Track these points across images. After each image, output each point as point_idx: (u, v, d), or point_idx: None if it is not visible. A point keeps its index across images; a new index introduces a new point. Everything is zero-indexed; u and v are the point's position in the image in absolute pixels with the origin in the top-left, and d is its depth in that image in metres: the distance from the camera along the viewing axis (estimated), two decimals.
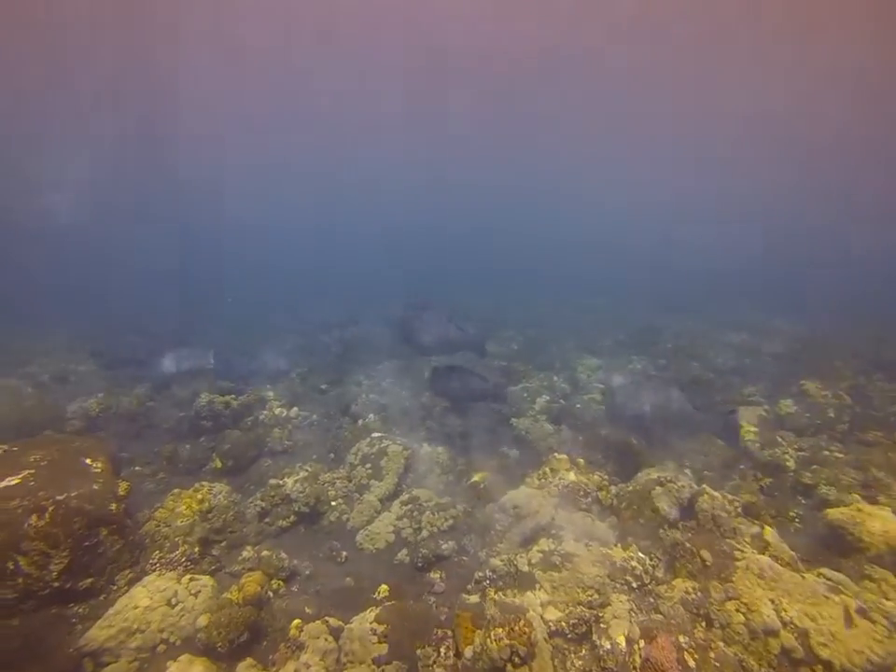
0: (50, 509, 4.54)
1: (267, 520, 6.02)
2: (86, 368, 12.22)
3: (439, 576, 5.05)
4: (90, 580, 4.65)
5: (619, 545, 4.95)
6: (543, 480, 6.39)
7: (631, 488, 5.84)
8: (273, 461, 7.85)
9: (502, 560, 4.90)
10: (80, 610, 4.55)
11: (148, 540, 5.18)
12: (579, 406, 9.29)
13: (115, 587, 4.78)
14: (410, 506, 6.21)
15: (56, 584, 4.43)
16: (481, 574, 4.81)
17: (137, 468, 7.31)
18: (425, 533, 5.72)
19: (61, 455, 5.23)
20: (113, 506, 4.92)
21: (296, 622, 4.18)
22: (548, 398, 9.59)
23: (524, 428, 8.61)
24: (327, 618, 4.21)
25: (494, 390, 9.39)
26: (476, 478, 6.68)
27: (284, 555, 5.20)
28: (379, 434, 7.64)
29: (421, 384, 10.92)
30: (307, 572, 5.23)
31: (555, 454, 6.76)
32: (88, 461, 5.28)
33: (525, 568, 4.68)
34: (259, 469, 7.53)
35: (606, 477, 6.38)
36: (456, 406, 9.56)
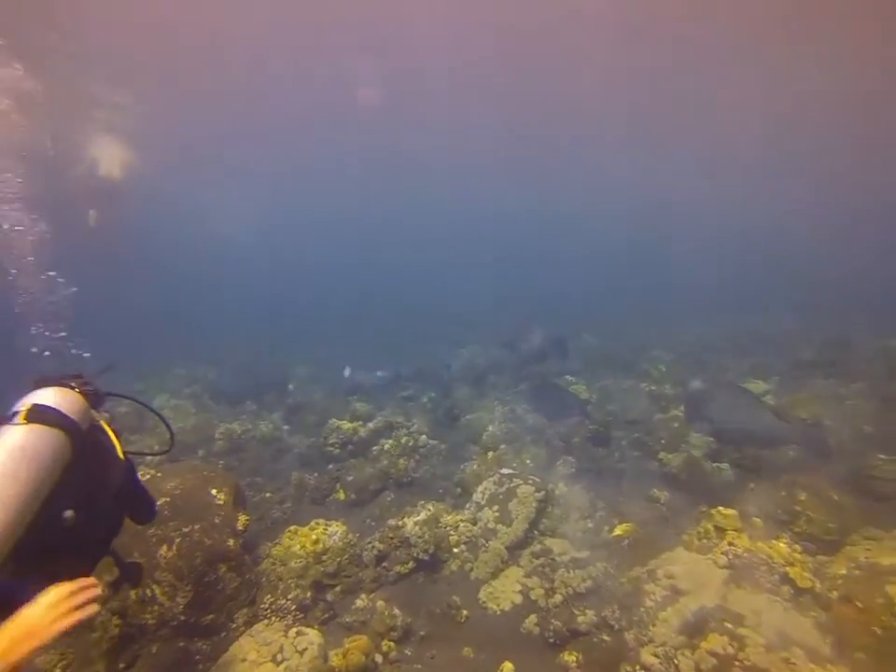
0: (177, 541, 5.05)
1: (384, 564, 6.05)
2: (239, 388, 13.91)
3: (574, 659, 4.51)
4: (211, 615, 5.06)
5: (840, 664, 3.88)
6: (705, 541, 5.47)
7: (844, 570, 4.66)
8: (397, 495, 7.97)
9: (657, 654, 4.20)
10: (203, 646, 4.96)
11: (264, 579, 5.50)
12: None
13: (234, 625, 5.14)
14: (541, 559, 5.77)
15: (183, 617, 4.90)
16: (629, 669, 4.18)
17: (268, 493, 7.94)
18: (558, 597, 5.22)
19: (192, 483, 5.83)
20: (231, 542, 5.31)
21: None
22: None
23: (675, 466, 7.59)
24: None
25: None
26: (619, 531, 5.98)
27: (397, 611, 5.13)
28: (509, 471, 7.30)
29: (559, 410, 10.35)
30: (422, 633, 5.08)
31: (720, 507, 5.76)
32: (213, 492, 5.81)
33: None
34: (381, 502, 7.68)
35: (797, 546, 5.21)
36: (598, 437, 8.85)
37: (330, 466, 8.97)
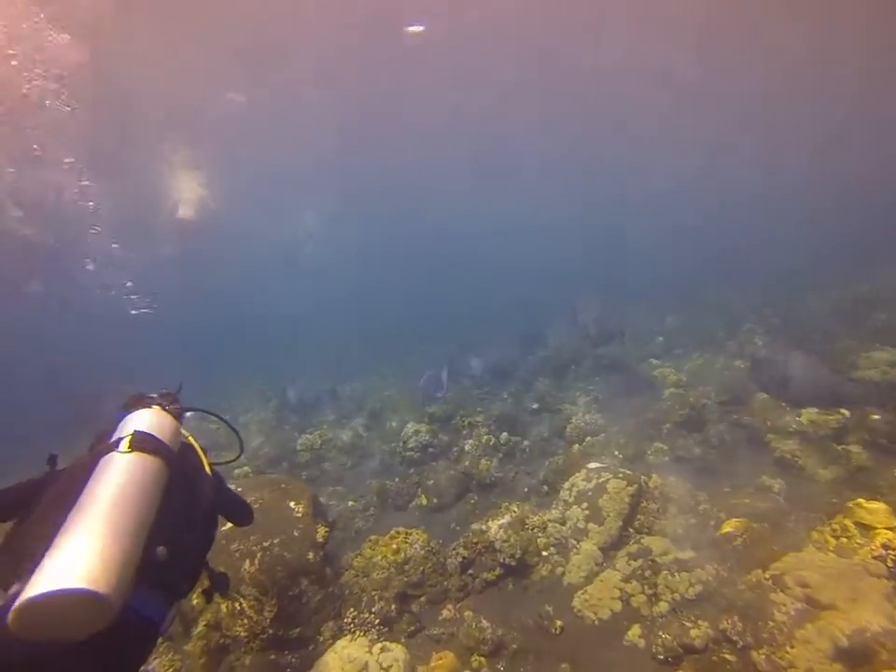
0: (258, 555, 5.01)
1: (470, 572, 5.74)
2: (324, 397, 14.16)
3: None
4: (298, 629, 4.98)
5: None
6: (845, 540, 4.68)
7: None
8: (481, 496, 7.65)
9: None
10: (293, 660, 4.88)
11: (347, 592, 5.36)
12: (876, 417, 6.81)
13: (321, 638, 5.03)
14: (639, 561, 5.21)
15: (271, 630, 4.84)
16: None
17: (350, 502, 7.90)
18: (663, 605, 4.68)
19: (270, 496, 5.82)
20: (311, 555, 5.21)
21: None
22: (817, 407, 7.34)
23: (788, 451, 6.70)
24: None
25: None
26: (728, 527, 5.29)
27: (486, 623, 4.80)
28: (597, 465, 6.76)
29: (645, 397, 9.62)
30: (514, 646, 4.72)
31: (861, 500, 4.92)
32: (292, 504, 5.76)
33: None
34: (464, 505, 7.39)
35: None
36: (690, 422, 8.09)
37: (412, 470, 8.82)
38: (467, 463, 8.26)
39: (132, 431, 2.07)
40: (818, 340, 10.86)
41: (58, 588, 1.44)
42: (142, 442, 2.03)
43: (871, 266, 15.06)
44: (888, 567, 4.27)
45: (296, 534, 5.36)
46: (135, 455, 1.96)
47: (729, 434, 8.00)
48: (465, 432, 9.43)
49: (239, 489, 6.00)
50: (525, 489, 7.66)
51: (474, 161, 27.73)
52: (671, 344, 13.07)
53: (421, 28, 13.19)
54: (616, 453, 7.96)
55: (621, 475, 6.28)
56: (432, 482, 7.73)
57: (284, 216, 25.40)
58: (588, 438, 8.44)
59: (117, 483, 1.82)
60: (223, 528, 5.35)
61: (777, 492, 6.11)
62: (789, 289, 15.46)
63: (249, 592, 4.84)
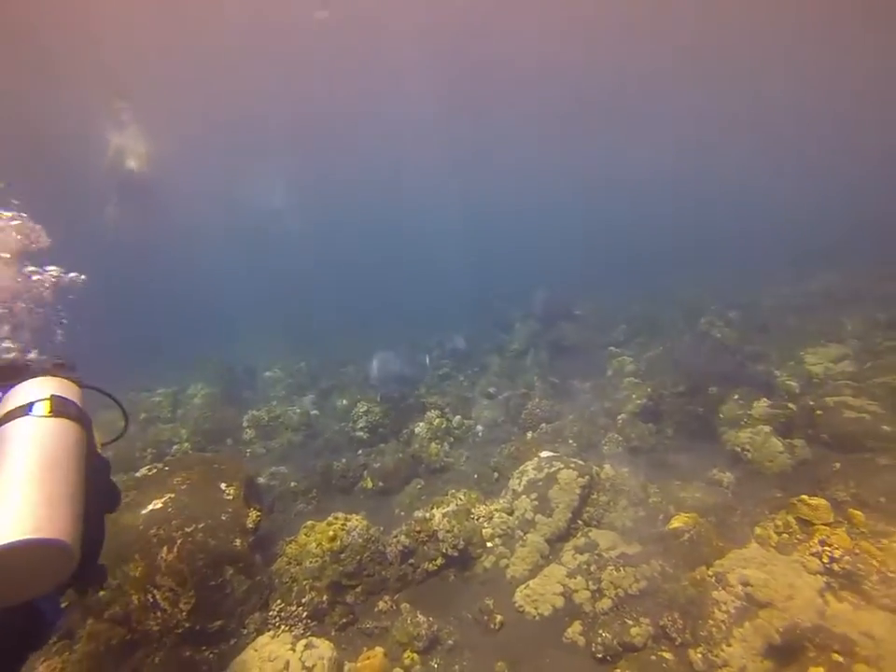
0: (178, 542, 4.59)
1: (411, 561, 5.45)
2: (271, 374, 13.60)
3: None
4: (219, 622, 4.60)
5: None
6: (786, 536, 4.58)
7: None
8: (428, 481, 7.38)
9: None
10: (210, 656, 4.51)
11: (277, 581, 5.00)
12: (820, 413, 6.81)
13: (245, 631, 4.67)
14: (586, 555, 5.02)
15: (188, 624, 4.45)
16: None
17: (293, 483, 7.49)
18: (606, 601, 4.49)
19: (200, 477, 5.38)
20: (238, 541, 4.83)
21: None
22: (769, 401, 7.30)
23: (740, 444, 6.64)
24: None
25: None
26: (677, 522, 5.14)
27: (422, 617, 4.53)
28: (549, 454, 6.55)
29: (603, 385, 9.51)
30: (450, 642, 4.47)
31: (804, 496, 4.83)
32: (223, 486, 5.34)
33: None
34: (411, 490, 7.10)
35: None
36: (647, 412, 7.97)
37: (360, 451, 8.48)
38: (416, 446, 7.97)
39: (48, 395, 1.80)
40: (772, 333, 10.96)
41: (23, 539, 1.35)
42: (63, 407, 1.79)
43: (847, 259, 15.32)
44: (823, 563, 4.20)
45: (224, 518, 4.96)
46: (59, 421, 1.73)
47: (684, 426, 7.92)
48: (417, 414, 9.11)
49: (165, 468, 5.57)
50: (476, 475, 7.41)
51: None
52: (633, 333, 12.99)
53: (326, 13, 12.56)
54: (570, 441, 7.79)
55: (573, 465, 6.07)
56: (379, 464, 7.42)
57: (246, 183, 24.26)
58: (543, 425, 8.25)
59: (43, 448, 1.60)
60: (143, 512, 4.93)
61: (725, 486, 6.03)
62: (759, 281, 15.66)
63: (164, 582, 4.42)
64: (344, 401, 10.37)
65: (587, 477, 5.94)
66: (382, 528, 5.83)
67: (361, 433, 8.64)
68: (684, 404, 8.66)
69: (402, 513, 6.66)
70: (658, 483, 6.21)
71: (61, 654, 4.32)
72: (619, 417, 8.08)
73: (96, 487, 1.92)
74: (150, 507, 4.91)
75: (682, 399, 8.88)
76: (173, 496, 5.04)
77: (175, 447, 8.45)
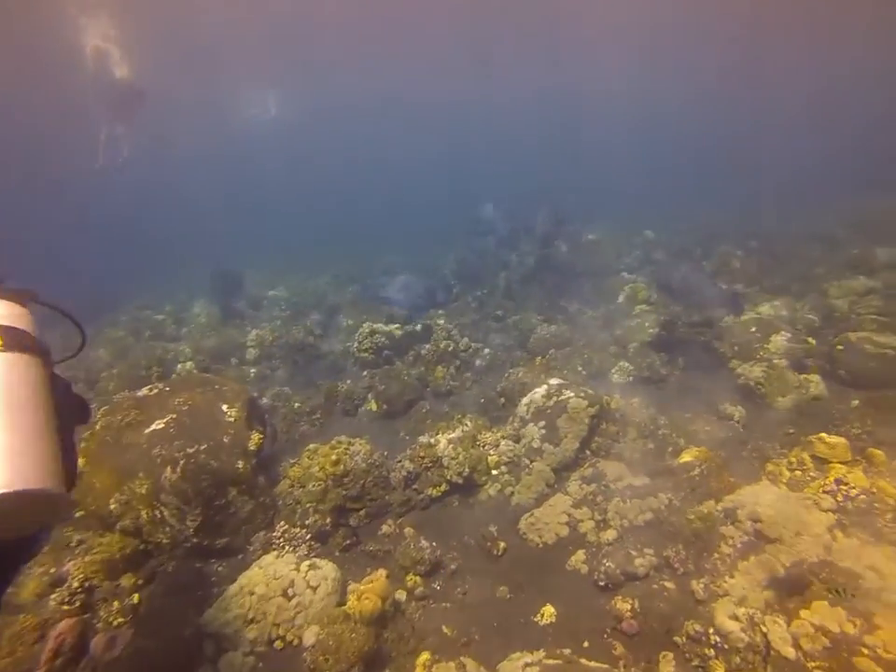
0: (181, 462, 4.52)
1: (415, 486, 5.43)
2: (276, 293, 13.34)
3: (629, 607, 3.78)
4: (225, 539, 4.64)
5: None
6: (799, 473, 4.47)
7: None
8: (434, 405, 7.28)
9: (737, 615, 3.36)
10: (219, 569, 4.58)
11: (281, 503, 5.00)
12: (841, 348, 6.53)
13: (251, 548, 4.72)
14: (592, 486, 4.96)
15: (195, 540, 4.48)
16: (698, 629, 3.38)
17: (297, 404, 7.43)
18: (611, 532, 4.46)
19: (202, 398, 5.26)
20: (240, 463, 4.76)
21: (423, 657, 3.44)
22: (788, 334, 7.02)
23: (753, 378, 6.43)
24: (463, 660, 3.37)
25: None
26: (687, 456, 5.03)
27: (425, 542, 4.52)
28: (558, 381, 6.37)
29: (614, 311, 9.20)
30: (453, 566, 4.49)
31: (822, 434, 4.66)
32: (224, 407, 5.22)
33: (790, 654, 3.05)
34: (416, 414, 7.01)
35: None
36: (659, 341, 7.74)
37: (364, 373, 8.35)
38: (422, 369, 7.82)
39: None
40: (793, 264, 10.48)
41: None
42: (16, 339, 1.59)
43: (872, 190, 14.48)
44: (836, 501, 4.10)
45: (226, 440, 4.87)
46: (14, 355, 1.55)
47: (696, 357, 7.70)
48: (423, 335, 8.91)
49: (167, 388, 5.43)
50: (482, 400, 7.30)
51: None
52: (646, 259, 12.52)
53: None
54: (580, 368, 7.60)
55: (582, 394, 5.90)
56: (384, 387, 7.29)
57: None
58: (552, 350, 8.04)
59: (7, 390, 1.47)
60: (146, 431, 4.83)
61: (737, 420, 5.87)
62: (780, 209, 14.91)
63: (170, 500, 4.40)
64: (350, 321, 10.16)
65: (597, 406, 5.78)
66: (386, 453, 5.77)
67: (366, 354, 8.47)
68: (697, 335, 8.44)
69: (407, 437, 6.60)
70: (668, 415, 6.07)
71: (83, 556, 4.37)
72: (630, 346, 7.84)
73: (65, 413, 1.78)
74: (153, 426, 4.82)
75: (696, 330, 8.66)
76: (174, 416, 4.93)
77: (179, 366, 8.35)
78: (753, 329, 7.34)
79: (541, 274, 12.03)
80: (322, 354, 9.39)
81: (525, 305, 10.48)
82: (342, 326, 10.17)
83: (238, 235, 24.03)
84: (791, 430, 5.46)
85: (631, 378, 7.25)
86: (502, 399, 7.24)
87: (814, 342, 6.90)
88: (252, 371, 8.76)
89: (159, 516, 4.40)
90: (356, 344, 8.64)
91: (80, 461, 4.55)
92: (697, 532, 4.15)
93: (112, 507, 4.39)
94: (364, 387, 7.56)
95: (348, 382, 7.97)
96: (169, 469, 4.47)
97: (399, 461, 5.62)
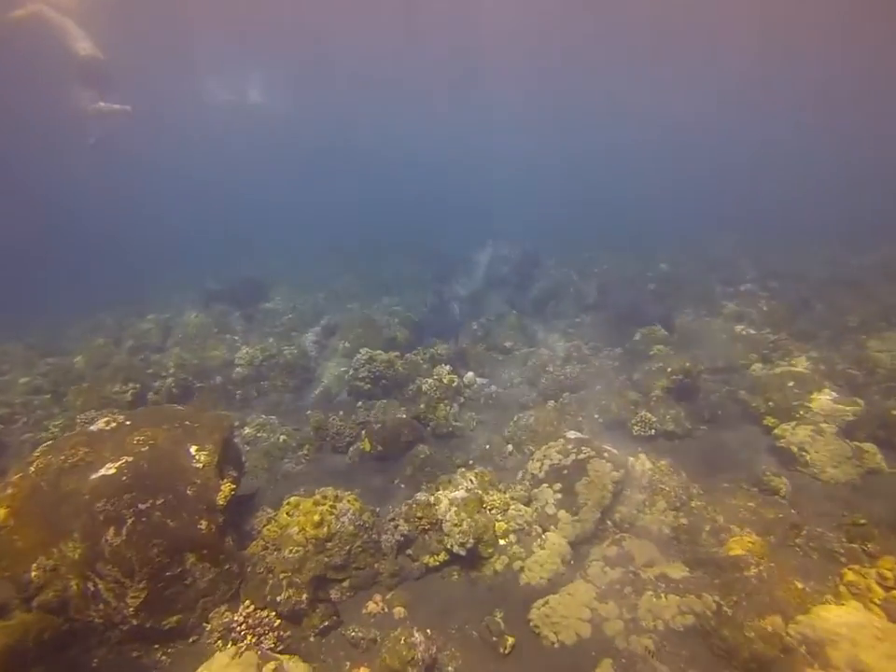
0: (129, 521, 3.67)
1: (409, 552, 4.59)
2: (272, 306, 12.53)
3: None
4: (175, 617, 3.75)
5: None
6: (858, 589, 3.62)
7: None
8: (435, 449, 6.41)
9: None
10: (163, 657, 3.71)
11: (250, 570, 4.12)
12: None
13: (207, 627, 3.84)
14: (618, 571, 4.12)
15: (135, 621, 3.61)
16: None
17: (283, 437, 6.59)
18: (646, 640, 3.60)
19: (167, 437, 4.41)
20: (203, 523, 3.90)
21: None
22: (833, 393, 6.28)
23: (796, 442, 5.63)
24: None
25: None
26: (737, 548, 4.17)
27: (417, 637, 3.65)
28: (576, 435, 5.56)
29: (635, 352, 8.40)
30: (451, 668, 3.63)
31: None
32: (193, 449, 4.38)
33: None
34: (414, 459, 6.14)
35: None
36: (682, 388, 6.98)
37: (359, 404, 7.54)
38: (422, 406, 6.98)
39: None
40: (820, 310, 9.74)
41: None
42: None
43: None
44: None
45: (189, 493, 4.02)
46: None
47: (723, 409, 6.91)
48: (425, 367, 8.10)
49: (127, 422, 4.58)
50: (487, 446, 6.48)
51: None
52: (662, 294, 11.77)
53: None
54: (596, 416, 6.80)
55: (606, 455, 5.08)
56: (379, 425, 6.45)
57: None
58: (565, 393, 7.23)
59: None
60: (93, 477, 3.99)
61: (783, 495, 5.03)
62: (795, 245, 14.26)
63: (108, 571, 3.54)
64: (347, 344, 9.34)
65: (622, 471, 4.96)
66: (377, 509, 4.94)
67: (362, 383, 7.65)
68: (722, 383, 7.67)
69: (402, 485, 5.78)
70: (700, 481, 5.24)
71: None
72: (652, 394, 7.03)
73: None
74: (102, 471, 3.96)
75: (720, 377, 7.89)
76: (130, 459, 4.08)
77: (158, 383, 7.50)
78: (791, 384, 6.54)
79: (554, 304, 11.32)
80: (315, 377, 8.58)
81: (535, 338, 9.72)
82: (338, 348, 9.32)
83: (243, 242, 23.14)
84: (847, 512, 4.62)
85: (653, 431, 6.43)
86: (509, 447, 6.43)
87: (861, 402, 6.10)
88: (238, 392, 7.92)
89: (92, 589, 3.53)
90: (351, 371, 7.83)
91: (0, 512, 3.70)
92: (761, 658, 3.29)
93: (34, 574, 3.52)
94: (357, 423, 6.73)
95: (340, 413, 7.13)
96: (112, 529, 3.62)
97: (393, 520, 4.76)
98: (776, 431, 5.97)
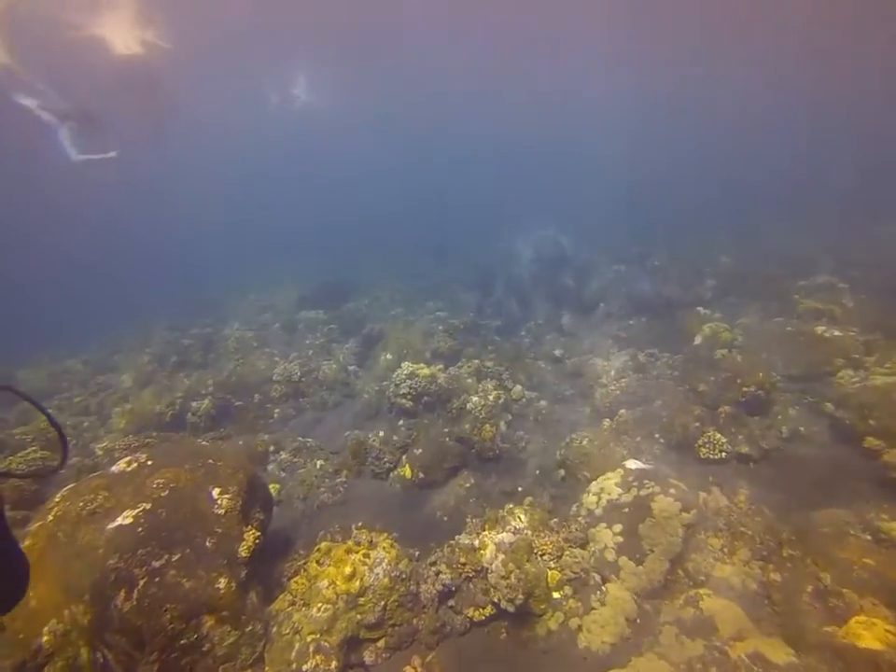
0: (141, 583, 3.30)
1: (451, 603, 4.05)
2: (315, 314, 12.23)
3: None
4: None
5: None
6: None
7: None
8: (479, 475, 5.87)
9: None
10: None
11: (275, 630, 3.68)
12: None
13: None
14: (699, 644, 3.44)
15: None
16: None
17: (320, 462, 6.19)
18: None
19: (188, 479, 4.05)
20: (222, 582, 3.49)
21: None
22: None
23: None
24: None
25: None
26: (867, 635, 3.27)
27: None
28: (638, 465, 4.85)
29: (697, 358, 7.50)
30: None
31: None
32: (215, 493, 4.00)
33: None
34: (458, 488, 5.61)
35: None
36: (753, 401, 6.13)
37: (401, 422, 7.05)
38: (467, 426, 6.42)
39: None
40: None
41: None
42: None
43: None
44: None
45: (208, 545, 3.63)
46: None
47: (806, 425, 6.00)
48: (469, 381, 7.52)
49: (149, 462, 4.24)
50: (537, 471, 5.85)
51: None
52: (724, 290, 10.69)
53: None
54: (657, 436, 6.04)
55: (672, 490, 4.36)
56: (420, 450, 5.93)
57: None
58: (622, 411, 6.48)
59: None
60: (109, 527, 3.65)
61: None
62: (868, 230, 12.74)
63: (116, 642, 3.17)
64: (389, 356, 8.89)
65: (693, 511, 4.23)
66: (416, 552, 4.42)
67: (403, 400, 7.16)
68: (802, 394, 6.71)
69: (445, 518, 5.24)
70: (791, 521, 4.42)
71: None
72: (720, 409, 6.19)
73: None
74: (119, 520, 3.63)
75: (798, 386, 6.92)
76: (148, 507, 3.73)
77: (195, 404, 7.27)
78: None
79: (605, 307, 10.49)
80: (356, 392, 8.16)
81: (587, 343, 8.95)
82: (379, 359, 8.88)
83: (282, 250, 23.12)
84: None
85: (724, 454, 5.61)
86: (562, 472, 5.78)
87: None
88: (276, 411, 7.61)
89: (100, 660, 3.18)
90: (392, 388, 7.35)
91: None
92: None
93: (45, 639, 3.20)
94: (398, 446, 6.23)
95: (381, 434, 6.67)
96: (123, 593, 3.25)
97: (434, 564, 4.25)
98: (885, 458, 5.02)
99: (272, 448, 6.39)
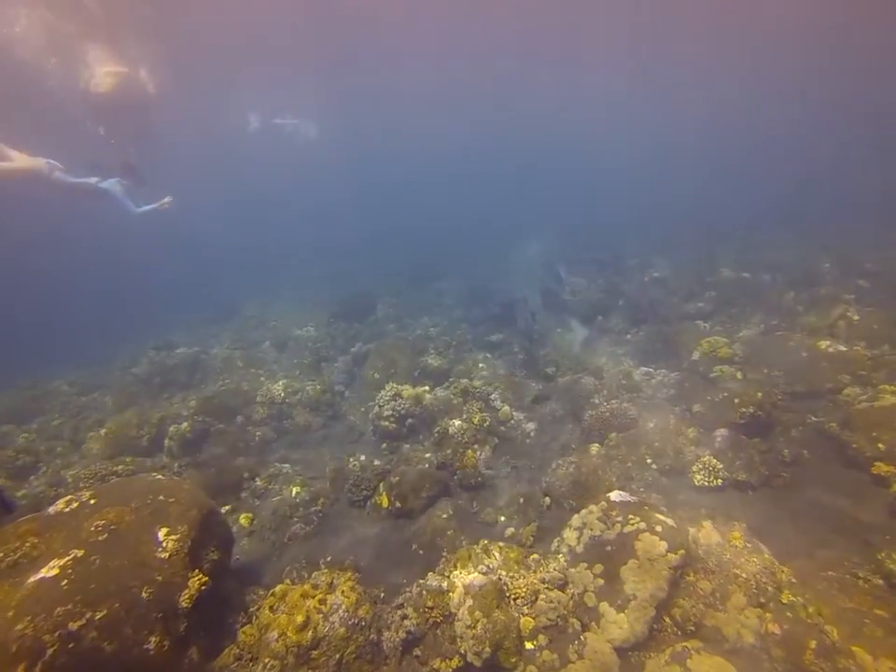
0: (49, 652, 2.88)
1: (416, 653, 3.65)
2: (304, 332, 11.93)
3: None
4: None
5: None
6: None
7: None
8: (460, 504, 5.48)
9: None
10: None
11: None
12: None
13: None
14: None
15: None
16: None
17: (296, 489, 5.84)
18: None
19: (133, 519, 3.71)
20: (153, 641, 3.12)
21: None
22: None
23: None
24: None
25: None
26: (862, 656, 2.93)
27: None
28: (621, 497, 4.44)
29: (694, 375, 7.10)
30: None
31: None
32: (161, 534, 3.65)
33: None
34: (436, 519, 5.20)
35: None
36: (755, 422, 5.72)
37: (384, 446, 6.71)
38: (448, 452, 6.05)
39: None
40: None
41: None
42: None
43: None
44: None
45: (144, 595, 3.26)
46: None
47: (810, 448, 5.56)
48: (456, 402, 7.17)
49: (92, 501, 3.91)
50: (521, 500, 5.45)
51: None
52: (724, 301, 10.27)
53: None
54: (649, 461, 5.63)
55: (659, 528, 3.94)
56: (398, 478, 5.56)
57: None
58: (612, 434, 6.08)
59: None
60: (30, 580, 3.31)
61: None
62: (880, 239, 12.27)
63: None
64: (376, 375, 8.56)
65: (681, 553, 3.80)
66: (381, 594, 4.04)
67: (387, 423, 6.82)
68: (805, 413, 6.26)
69: (421, 551, 4.85)
70: (792, 561, 3.99)
71: None
72: (716, 433, 5.78)
73: None
74: (42, 572, 3.26)
75: (801, 404, 6.47)
76: (80, 554, 3.37)
77: (173, 427, 6.96)
78: None
79: (601, 320, 10.12)
80: (341, 413, 7.83)
81: (581, 359, 8.55)
82: (367, 378, 8.55)
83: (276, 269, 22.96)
84: None
85: (720, 481, 5.19)
86: (547, 500, 5.39)
87: None
88: (257, 433, 7.27)
89: None
90: (376, 409, 7.00)
91: None
92: None
93: None
94: (376, 472, 5.86)
95: (361, 459, 6.34)
96: (23, 667, 2.84)
97: (401, 607, 3.87)
98: (893, 484, 4.59)
99: (245, 475, 6.04)
